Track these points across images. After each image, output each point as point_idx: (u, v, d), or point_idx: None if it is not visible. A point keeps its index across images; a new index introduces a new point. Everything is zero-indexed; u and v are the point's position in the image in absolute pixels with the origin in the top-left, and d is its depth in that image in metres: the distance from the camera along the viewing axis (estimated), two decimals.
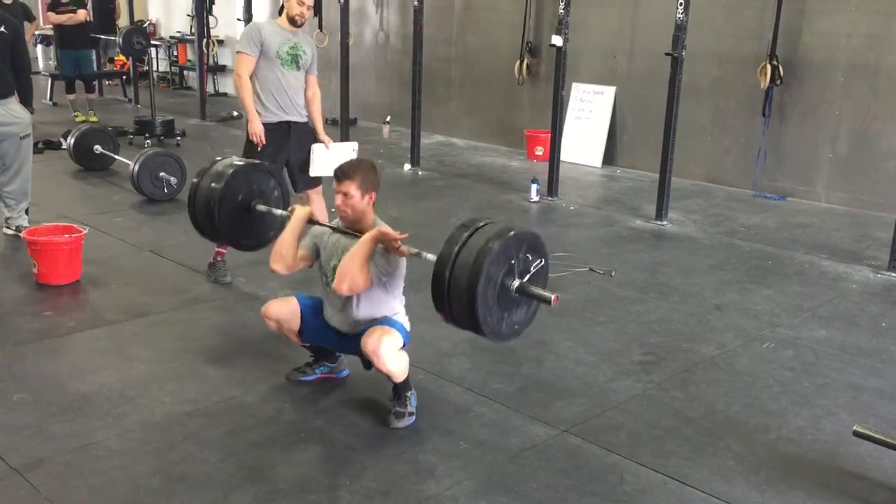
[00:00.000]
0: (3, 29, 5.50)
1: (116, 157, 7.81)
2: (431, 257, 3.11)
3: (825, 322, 4.70)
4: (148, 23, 14.16)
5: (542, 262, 3.10)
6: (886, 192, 7.04)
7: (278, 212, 3.95)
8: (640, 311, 4.81)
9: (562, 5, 6.99)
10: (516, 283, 3.00)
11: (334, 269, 3.42)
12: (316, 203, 5.15)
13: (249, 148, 4.95)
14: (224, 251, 5.08)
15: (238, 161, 4.07)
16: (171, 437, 3.30)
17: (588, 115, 8.89)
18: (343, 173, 3.42)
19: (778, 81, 7.33)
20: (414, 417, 3.46)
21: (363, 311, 3.48)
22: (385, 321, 3.47)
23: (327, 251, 3.55)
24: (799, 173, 7.57)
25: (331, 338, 3.64)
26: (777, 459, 3.28)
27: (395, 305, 3.56)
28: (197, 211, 3.99)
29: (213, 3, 11.37)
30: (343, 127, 9.22)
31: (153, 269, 5.32)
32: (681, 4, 6.28)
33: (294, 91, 5.02)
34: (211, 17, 11.38)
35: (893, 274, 5.48)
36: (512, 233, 2.97)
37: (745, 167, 7.79)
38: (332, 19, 9.77)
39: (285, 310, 3.65)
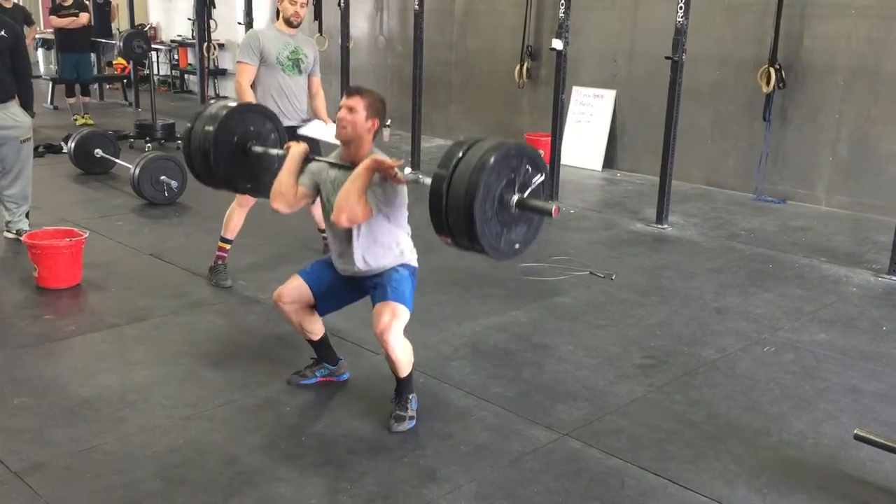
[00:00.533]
0: (2, 33, 5.50)
1: (117, 160, 7.82)
2: (429, 180, 3.00)
3: (826, 325, 4.70)
4: (149, 26, 14.19)
5: (542, 177, 2.99)
6: (887, 196, 7.05)
7: (275, 151, 3.80)
8: (641, 314, 4.81)
9: (562, 9, 7.00)
10: (515, 197, 2.90)
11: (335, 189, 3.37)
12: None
13: None
14: (225, 255, 5.08)
15: (232, 103, 3.97)
16: (171, 440, 3.30)
17: (588, 119, 8.89)
18: (355, 89, 3.38)
19: (780, 85, 7.33)
20: (414, 421, 3.46)
21: (367, 242, 3.39)
22: (393, 280, 3.39)
23: (326, 189, 3.47)
24: (799, 177, 7.57)
25: (345, 294, 3.58)
26: (778, 463, 3.28)
27: (399, 236, 3.47)
28: (193, 155, 3.87)
29: (214, 7, 11.39)
30: None
31: (154, 272, 5.32)
32: (681, 8, 6.29)
33: (296, 96, 5.02)
34: (211, 21, 11.41)
35: (894, 277, 5.48)
36: (510, 145, 2.88)
37: (746, 171, 7.79)
38: (333, 23, 9.78)
39: (294, 287, 3.56)
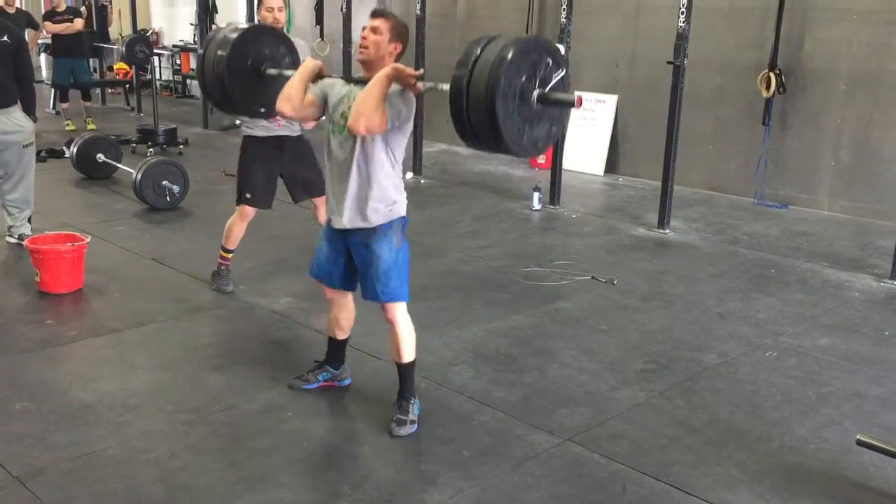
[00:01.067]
0: (5, 38, 5.52)
1: (119, 165, 7.83)
2: (447, 86, 2.94)
3: (828, 330, 4.69)
4: (151, 32, 14.21)
5: (563, 72, 2.93)
6: (889, 201, 7.04)
7: (289, 72, 3.70)
8: (643, 319, 4.80)
9: (564, 14, 7.01)
10: (537, 91, 2.85)
11: (342, 115, 3.30)
12: (322, 209, 5.11)
13: (244, 160, 4.92)
14: (228, 261, 5.08)
15: (243, 25, 3.91)
16: (172, 445, 3.30)
17: (590, 124, 8.89)
18: (380, 12, 3.34)
19: (781, 90, 7.33)
20: (416, 426, 3.46)
21: (362, 180, 3.30)
22: (380, 270, 3.33)
23: (335, 98, 3.39)
24: (801, 181, 7.56)
25: (343, 260, 3.48)
26: (780, 468, 3.27)
27: (395, 180, 3.36)
28: (207, 80, 3.82)
29: (216, 12, 11.41)
30: None
31: (155, 277, 5.33)
32: (682, 13, 6.29)
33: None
34: (213, 26, 11.42)
35: None
36: (528, 39, 2.85)
37: (747, 175, 7.79)
38: (335, 27, 9.80)
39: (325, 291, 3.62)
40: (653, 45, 8.06)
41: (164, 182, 6.86)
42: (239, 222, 5.00)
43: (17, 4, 10.49)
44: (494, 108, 2.73)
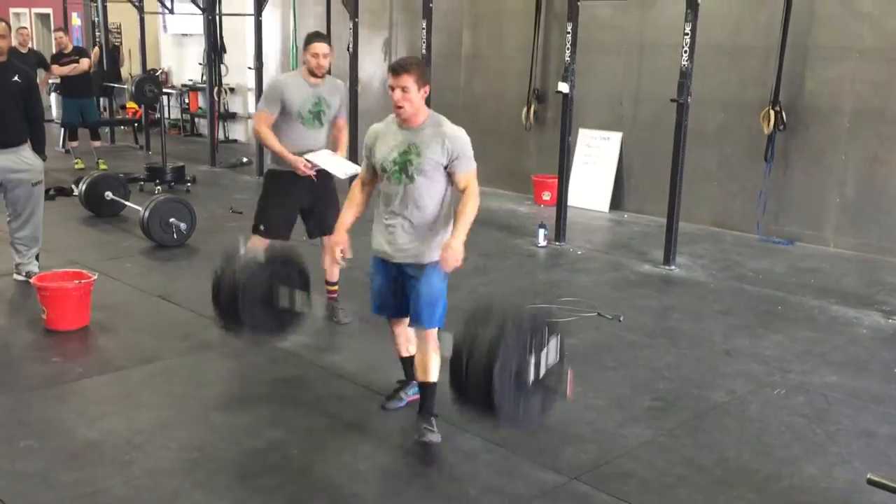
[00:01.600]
0: (16, 78, 5.59)
1: (127, 203, 7.87)
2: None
3: (836, 368, 4.66)
4: (160, 71, 14.38)
5: (558, 357, 3.21)
6: (895, 237, 7.03)
7: (299, 301, 3.86)
8: (649, 356, 4.78)
9: (568, 53, 7.08)
10: (532, 371, 3.07)
11: (394, 161, 3.53)
12: (330, 251, 5.12)
13: (265, 193, 5.02)
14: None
15: (261, 252, 4.00)
16: (177, 484, 3.28)
17: (595, 161, 8.94)
18: (400, 66, 3.48)
19: (781, 127, 7.37)
20: (440, 437, 3.57)
21: (422, 205, 3.56)
22: (426, 299, 3.55)
23: (385, 146, 3.60)
24: (807, 218, 7.57)
25: (396, 288, 3.69)
26: None
27: (447, 214, 3.64)
28: (221, 299, 3.93)
29: (225, 52, 11.55)
30: None
31: (162, 314, 5.33)
32: (685, 52, 6.36)
33: (309, 148, 4.91)
34: (222, 66, 11.56)
35: None
36: (525, 317, 3.09)
37: (752, 212, 7.80)
38: (342, 67, 9.90)
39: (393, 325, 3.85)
40: (656, 83, 8.13)
41: (171, 219, 6.89)
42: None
43: (29, 44, 10.63)
44: (491, 389, 2.92)
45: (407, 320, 3.76)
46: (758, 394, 4.29)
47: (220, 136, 12.83)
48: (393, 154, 3.54)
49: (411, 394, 3.93)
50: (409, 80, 3.45)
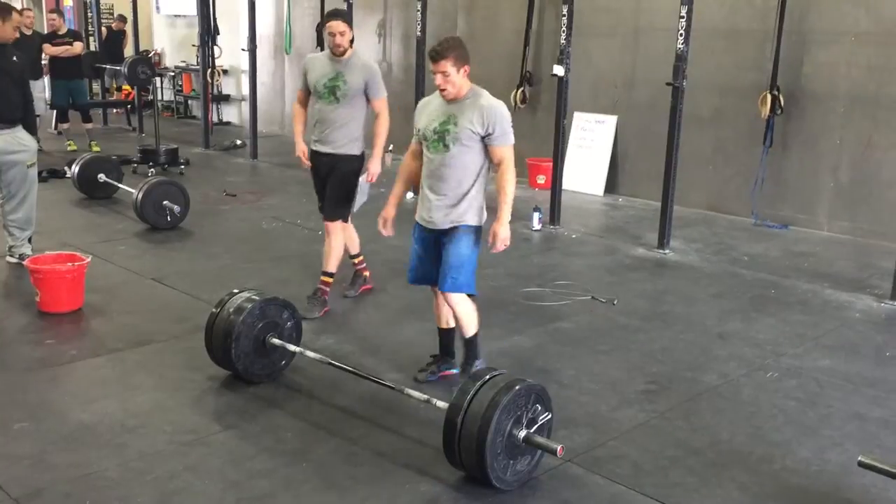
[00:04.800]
0: (16, 58, 5.59)
1: (120, 185, 7.85)
2: (442, 405, 3.31)
3: (829, 351, 4.68)
4: (153, 53, 14.29)
5: (549, 416, 3.28)
6: (888, 222, 7.05)
7: (292, 348, 4.02)
8: (643, 339, 4.80)
9: (563, 36, 7.05)
10: (523, 433, 3.16)
11: (434, 131, 3.75)
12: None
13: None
14: (328, 285, 5.10)
15: (255, 296, 4.05)
16: (171, 466, 3.28)
17: (590, 144, 8.93)
18: (437, 53, 3.68)
19: (778, 111, 7.37)
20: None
21: (458, 173, 3.78)
22: (455, 263, 3.76)
23: (427, 117, 3.83)
24: (801, 202, 7.58)
25: (431, 256, 3.90)
26: (782, 490, 3.26)
27: (481, 185, 3.86)
28: (214, 343, 4.01)
29: (218, 34, 11.47)
30: None
31: (155, 297, 5.32)
32: (681, 35, 6.33)
33: (328, 124, 4.91)
34: (216, 48, 11.49)
35: None
36: (521, 385, 3.15)
37: (747, 196, 7.80)
38: None
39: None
40: (652, 66, 8.11)
41: (164, 202, 6.87)
42: (326, 238, 5.13)
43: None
44: (484, 451, 3.04)
45: None
46: (750, 377, 4.31)
47: (214, 118, 12.77)
48: (434, 124, 3.74)
49: (443, 369, 4.09)
50: (447, 65, 3.66)
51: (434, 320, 4.14)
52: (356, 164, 5.01)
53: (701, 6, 6.64)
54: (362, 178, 5.05)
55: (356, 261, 5.38)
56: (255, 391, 3.96)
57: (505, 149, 3.78)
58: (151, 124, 10.23)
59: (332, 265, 5.07)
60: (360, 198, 5.12)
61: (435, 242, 3.89)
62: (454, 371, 4.12)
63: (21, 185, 5.72)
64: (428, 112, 3.86)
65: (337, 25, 4.81)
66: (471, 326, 3.99)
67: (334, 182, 4.99)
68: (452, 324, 4.07)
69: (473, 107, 3.73)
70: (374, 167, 5.01)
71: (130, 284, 5.56)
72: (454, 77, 3.69)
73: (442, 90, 3.73)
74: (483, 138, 3.73)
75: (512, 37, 9.44)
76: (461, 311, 3.92)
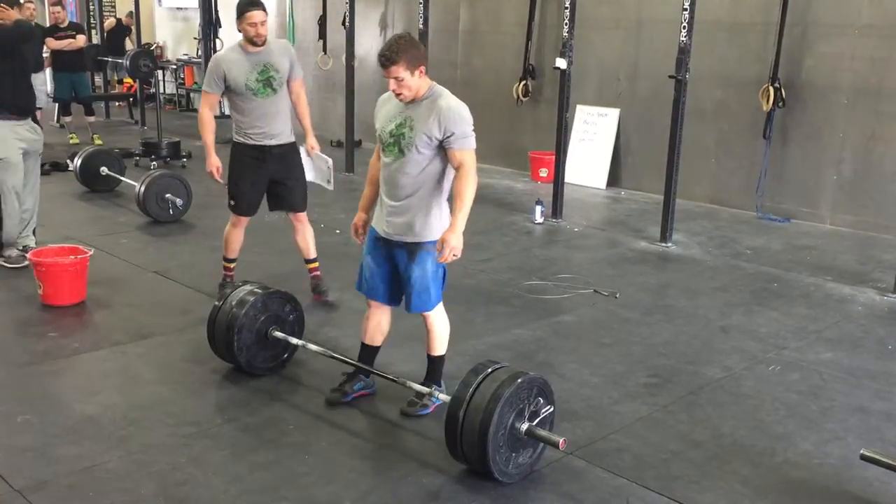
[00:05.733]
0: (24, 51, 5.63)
1: (122, 178, 7.85)
2: (445, 397, 3.32)
3: (831, 344, 4.68)
4: (155, 46, 14.28)
5: (551, 409, 3.27)
6: (891, 215, 7.04)
7: (295, 341, 4.02)
8: (645, 333, 4.80)
9: (566, 28, 7.04)
10: (525, 426, 3.16)
11: (390, 133, 3.47)
12: (300, 230, 5.07)
13: (231, 166, 4.95)
14: (231, 271, 5.09)
15: (258, 289, 4.05)
16: (174, 459, 3.29)
17: (592, 137, 8.91)
18: (387, 59, 3.35)
19: (780, 104, 7.35)
20: (428, 409, 3.61)
21: (416, 182, 3.48)
22: (418, 283, 3.53)
23: (383, 118, 3.55)
24: (803, 195, 7.57)
25: (386, 270, 3.65)
26: (784, 483, 3.26)
27: (441, 201, 3.56)
28: (216, 336, 4.00)
29: (220, 27, 11.46)
30: (348, 148, 9.26)
31: (158, 290, 5.33)
32: (684, 28, 6.31)
33: (271, 118, 4.82)
34: (217, 41, 11.48)
35: None
36: (523, 378, 3.14)
37: (750, 189, 7.79)
38: (338, 42, 9.84)
39: (371, 309, 3.78)
40: (655, 59, 8.08)
41: (167, 195, 6.87)
42: (233, 229, 5.05)
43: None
44: (486, 443, 3.04)
45: (387, 308, 3.76)
46: (753, 370, 4.31)
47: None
48: (390, 126, 3.49)
49: (357, 389, 3.81)
50: (399, 70, 3.35)
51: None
52: (297, 148, 5.01)
53: None
54: (305, 155, 5.05)
55: (314, 266, 5.22)
56: (257, 384, 3.96)
57: (465, 153, 3.40)
58: (153, 117, 10.23)
59: (312, 251, 5.12)
60: (317, 173, 5.12)
61: (388, 258, 3.61)
62: (369, 391, 3.84)
63: (31, 174, 5.77)
64: (385, 112, 3.56)
65: (258, 15, 4.64)
66: (443, 345, 3.73)
67: (295, 173, 4.97)
68: (378, 343, 3.81)
69: (431, 109, 3.40)
70: (312, 140, 5.05)
71: (133, 277, 5.56)
72: (409, 81, 3.37)
73: (397, 95, 3.42)
74: (441, 142, 3.40)
75: (514, 29, 9.41)
76: (438, 329, 3.68)
